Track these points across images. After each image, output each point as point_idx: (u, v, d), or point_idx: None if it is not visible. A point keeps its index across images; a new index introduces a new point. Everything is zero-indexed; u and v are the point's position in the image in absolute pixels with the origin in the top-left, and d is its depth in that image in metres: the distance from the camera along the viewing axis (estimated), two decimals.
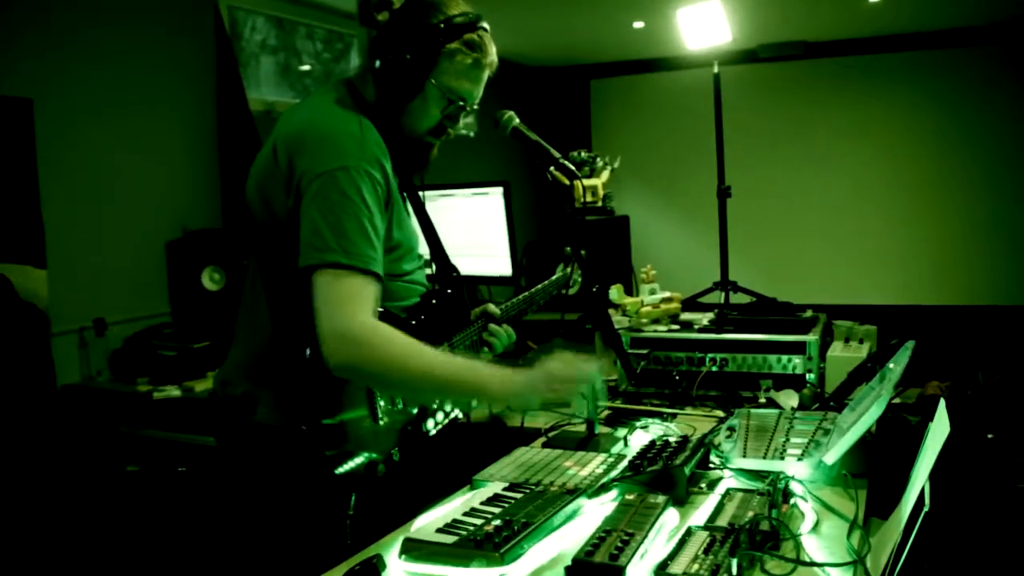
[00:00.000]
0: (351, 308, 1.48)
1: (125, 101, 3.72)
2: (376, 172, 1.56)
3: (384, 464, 1.61)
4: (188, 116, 4.06)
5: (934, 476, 1.23)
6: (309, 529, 1.61)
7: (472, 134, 6.63)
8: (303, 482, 1.57)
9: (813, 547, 1.37)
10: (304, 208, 1.52)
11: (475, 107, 1.75)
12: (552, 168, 1.92)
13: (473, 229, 2.99)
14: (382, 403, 1.60)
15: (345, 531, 1.55)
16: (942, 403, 1.37)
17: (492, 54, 1.71)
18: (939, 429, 1.32)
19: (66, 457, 3.12)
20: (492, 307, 1.98)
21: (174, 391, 3.19)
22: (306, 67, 5.02)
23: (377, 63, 1.67)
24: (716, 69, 4.29)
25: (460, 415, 1.88)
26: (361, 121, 1.61)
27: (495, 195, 2.88)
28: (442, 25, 1.63)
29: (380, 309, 1.63)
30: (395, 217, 1.66)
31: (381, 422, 1.60)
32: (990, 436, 2.55)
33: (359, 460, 1.55)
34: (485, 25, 1.70)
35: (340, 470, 1.53)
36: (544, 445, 2.02)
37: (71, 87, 3.48)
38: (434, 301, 1.80)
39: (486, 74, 1.72)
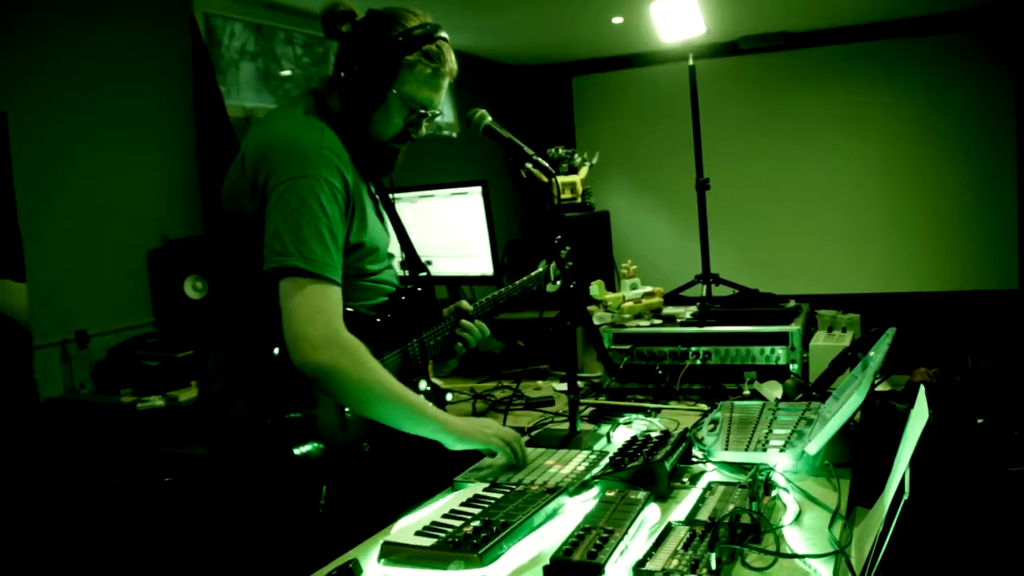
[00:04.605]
0: (329, 315, 1.56)
1: (101, 111, 3.68)
2: (336, 180, 1.63)
3: (368, 443, 1.71)
4: (166, 124, 4.03)
5: (924, 462, 1.23)
6: (281, 519, 1.67)
7: (455, 135, 6.64)
8: (270, 472, 1.62)
9: (795, 538, 1.36)
10: (267, 213, 1.59)
11: (438, 113, 1.81)
12: (528, 165, 1.93)
13: (454, 229, 2.98)
14: None
15: (316, 521, 1.61)
16: (922, 390, 1.37)
17: (451, 62, 1.77)
18: (919, 416, 1.31)
19: (52, 471, 3.09)
20: (465, 303, 2.03)
21: (158, 401, 3.16)
22: (286, 72, 4.99)
23: (341, 75, 1.73)
24: (691, 62, 4.29)
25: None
26: (323, 130, 1.67)
27: (474, 194, 2.87)
28: (401, 38, 1.69)
29: (349, 309, 1.70)
30: (356, 221, 1.71)
31: (348, 414, 1.67)
32: (980, 421, 2.55)
33: (317, 445, 1.61)
34: (444, 35, 1.75)
35: (299, 450, 1.59)
36: (527, 444, 2.00)
37: (45, 98, 3.44)
38: (403, 299, 1.86)
39: (446, 82, 1.78)
